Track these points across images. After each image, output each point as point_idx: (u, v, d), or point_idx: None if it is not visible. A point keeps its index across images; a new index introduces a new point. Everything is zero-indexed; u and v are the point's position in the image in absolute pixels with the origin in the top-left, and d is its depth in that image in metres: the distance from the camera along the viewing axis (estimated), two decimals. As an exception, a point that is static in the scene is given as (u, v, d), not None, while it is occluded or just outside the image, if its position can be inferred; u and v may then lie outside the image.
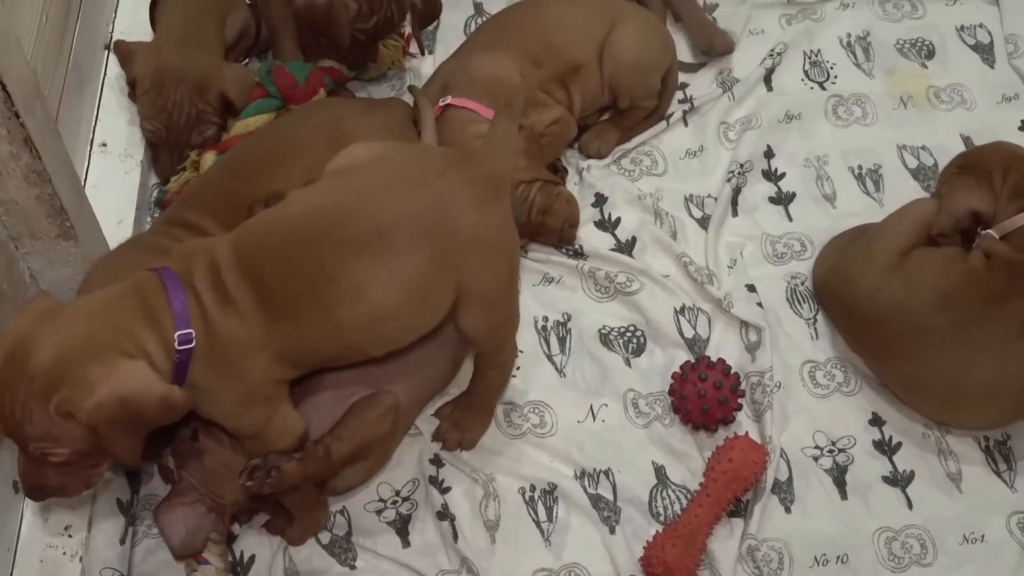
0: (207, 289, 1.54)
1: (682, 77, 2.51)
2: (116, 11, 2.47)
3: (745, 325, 2.17)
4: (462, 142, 2.19)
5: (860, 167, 2.41)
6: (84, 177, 2.20)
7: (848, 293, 2.09)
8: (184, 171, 2.24)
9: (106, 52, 2.40)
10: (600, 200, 2.33)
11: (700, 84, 2.51)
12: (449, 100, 2.23)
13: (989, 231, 2.02)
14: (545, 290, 2.23)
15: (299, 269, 1.57)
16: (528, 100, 2.25)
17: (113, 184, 2.22)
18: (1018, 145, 2.15)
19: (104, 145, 2.27)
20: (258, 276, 1.56)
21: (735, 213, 2.35)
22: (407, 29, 2.46)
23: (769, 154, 2.42)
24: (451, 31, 2.58)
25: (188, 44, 2.26)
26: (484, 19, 2.56)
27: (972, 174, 2.09)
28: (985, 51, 2.59)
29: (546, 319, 2.19)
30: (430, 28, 2.56)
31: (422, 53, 2.54)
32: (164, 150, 2.26)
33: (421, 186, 1.63)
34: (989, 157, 2.11)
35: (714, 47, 2.52)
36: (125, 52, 2.27)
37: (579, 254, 2.27)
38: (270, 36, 2.42)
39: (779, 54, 2.53)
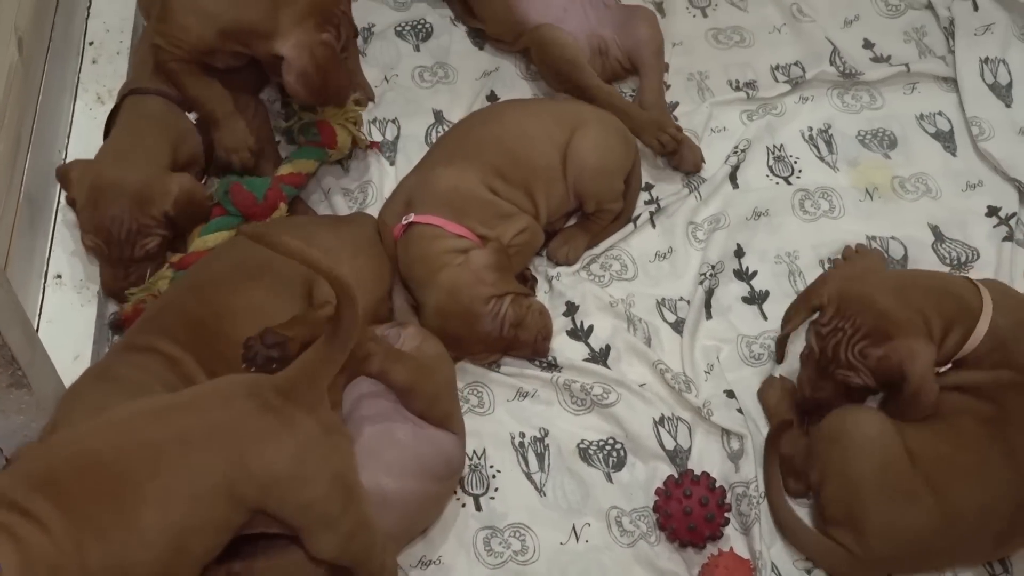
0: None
1: (647, 177, 2.48)
2: (69, 138, 2.41)
3: (727, 433, 2.12)
4: (429, 258, 2.15)
5: (831, 260, 2.39)
6: (39, 312, 2.13)
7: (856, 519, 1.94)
8: (139, 290, 2.17)
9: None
10: (572, 309, 2.29)
11: (666, 184, 2.49)
12: (412, 217, 2.19)
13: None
14: (520, 405, 2.17)
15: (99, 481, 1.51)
16: (494, 211, 2.22)
17: (69, 317, 2.15)
18: (850, 278, 2.07)
19: (59, 277, 2.21)
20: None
21: (709, 315, 2.31)
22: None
23: (739, 253, 2.39)
24: (412, 140, 2.55)
25: (128, 158, 2.18)
26: (445, 127, 2.54)
27: (900, 335, 1.93)
28: (946, 139, 2.59)
29: (523, 435, 2.13)
30: (390, 138, 2.53)
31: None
32: (107, 265, 2.18)
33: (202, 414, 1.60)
34: (888, 308, 1.95)
35: (683, 161, 2.48)
36: (63, 172, 2.20)
37: (553, 366, 2.21)
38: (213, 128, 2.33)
39: (743, 151, 2.52)
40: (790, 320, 2.08)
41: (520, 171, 2.26)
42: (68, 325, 2.13)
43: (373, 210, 2.40)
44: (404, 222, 2.19)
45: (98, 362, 2.05)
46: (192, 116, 2.30)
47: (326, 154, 2.38)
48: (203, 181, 2.40)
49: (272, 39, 2.18)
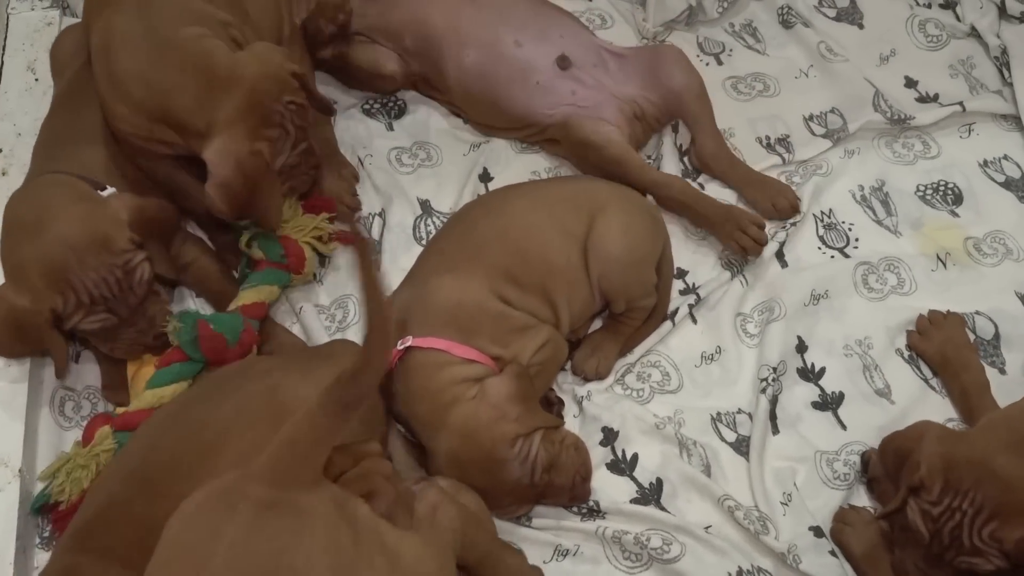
0: None
1: (678, 260, 2.08)
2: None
3: (822, 585, 1.71)
4: (436, 392, 1.73)
5: (909, 350, 2.00)
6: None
7: None
8: (68, 462, 1.74)
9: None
10: (610, 435, 1.87)
11: (703, 269, 2.09)
12: (410, 341, 1.76)
13: None
14: (560, 567, 1.75)
15: None
16: (507, 325, 1.81)
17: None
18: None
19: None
20: None
21: (775, 430, 1.90)
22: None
23: (801, 347, 1.99)
24: (399, 233, 2.13)
25: (48, 214, 1.78)
26: (435, 220, 2.12)
27: None
28: (1019, 187, 2.21)
29: (566, 606, 1.71)
30: (374, 235, 2.11)
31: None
32: (116, 340, 1.83)
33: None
34: (1014, 476, 1.52)
35: (778, 208, 2.10)
36: None
37: (595, 512, 1.79)
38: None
39: (790, 223, 2.12)
40: (889, 508, 1.65)
41: (534, 273, 1.85)
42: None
43: (355, 332, 1.97)
44: (400, 347, 1.77)
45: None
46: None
47: (290, 279, 1.96)
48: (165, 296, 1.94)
49: (201, 137, 1.77)
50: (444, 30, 2.14)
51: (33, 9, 2.40)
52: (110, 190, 1.87)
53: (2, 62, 2.31)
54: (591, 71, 2.14)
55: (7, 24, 2.38)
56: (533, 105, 2.13)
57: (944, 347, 1.96)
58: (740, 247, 2.03)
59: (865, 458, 1.84)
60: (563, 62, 2.11)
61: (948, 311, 2.01)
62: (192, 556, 1.24)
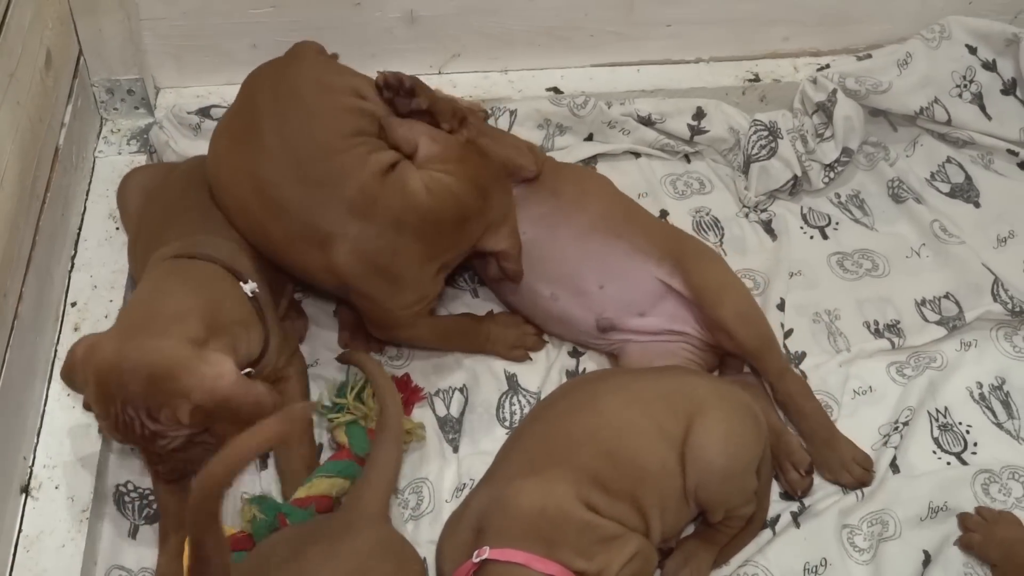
0: None
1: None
2: (38, 437, 1.89)
3: None
4: (516, 614, 1.58)
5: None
6: None
7: None
8: None
9: (22, 496, 1.82)
10: (704, 659, 1.70)
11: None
12: (487, 553, 1.62)
13: None
14: None
15: None
16: (594, 536, 1.66)
17: None
18: None
19: (13, 645, 1.65)
20: None
21: (891, 663, 1.72)
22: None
23: (927, 561, 1.80)
24: (481, 413, 2.00)
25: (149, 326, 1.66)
26: (522, 399, 2.00)
27: None
28: None
29: None
30: (454, 414, 1.99)
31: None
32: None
33: None
34: None
35: (840, 479, 1.90)
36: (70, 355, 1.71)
37: None
38: None
39: (904, 424, 1.96)
40: None
41: (626, 478, 1.70)
42: None
43: (428, 522, 1.84)
44: (476, 560, 1.63)
45: None
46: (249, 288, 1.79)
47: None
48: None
49: None
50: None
51: (120, 153, 2.37)
52: (252, 284, 1.78)
53: (84, 208, 2.26)
54: (640, 320, 2.00)
55: (92, 168, 2.34)
56: (583, 340, 2.05)
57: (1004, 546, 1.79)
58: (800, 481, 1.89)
59: None
60: (602, 326, 1.99)
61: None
62: None
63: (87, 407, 1.70)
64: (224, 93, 2.37)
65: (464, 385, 2.03)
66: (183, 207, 1.94)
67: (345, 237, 1.79)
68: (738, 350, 1.95)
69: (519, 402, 2.00)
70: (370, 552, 1.58)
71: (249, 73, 1.99)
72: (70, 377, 1.71)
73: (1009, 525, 1.83)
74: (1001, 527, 1.82)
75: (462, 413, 2.00)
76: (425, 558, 1.78)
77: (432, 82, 2.35)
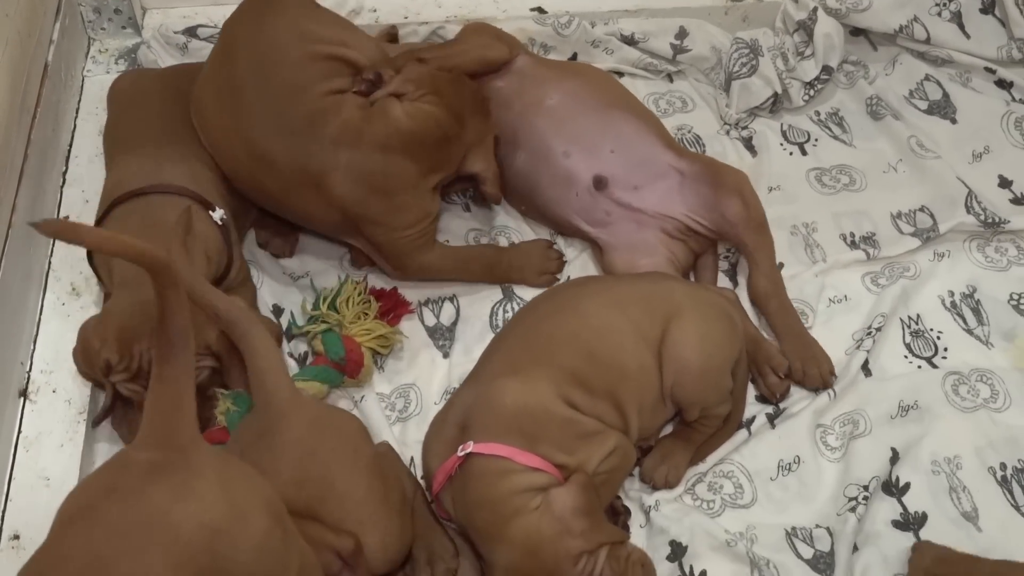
0: None
1: (758, 365, 1.98)
2: (35, 342, 1.95)
3: None
4: (497, 502, 1.64)
5: (1004, 467, 1.88)
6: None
7: None
8: None
9: (21, 399, 1.87)
10: (678, 550, 1.77)
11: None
12: (471, 447, 1.68)
13: None
14: None
15: None
16: (574, 431, 1.73)
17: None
18: None
19: (16, 538, 1.71)
20: None
21: (855, 547, 1.79)
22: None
23: (895, 459, 1.87)
24: (474, 323, 2.05)
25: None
26: (516, 305, 2.05)
27: None
28: (1121, 299, 2.09)
29: None
30: (446, 323, 2.04)
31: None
32: None
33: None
34: None
35: (807, 375, 1.96)
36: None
37: (660, 637, 1.69)
38: None
39: (876, 329, 2.02)
40: None
41: (605, 377, 1.76)
42: None
43: (416, 424, 1.91)
44: (461, 453, 1.69)
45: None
46: (218, 215, 1.87)
47: (342, 381, 1.90)
48: None
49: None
50: (508, 133, 2.09)
51: (108, 72, 2.39)
52: (219, 212, 1.86)
53: (75, 125, 2.29)
54: (631, 194, 2.07)
55: (82, 87, 2.37)
56: (571, 215, 2.09)
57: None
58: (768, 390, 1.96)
59: None
60: (598, 183, 2.05)
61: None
62: (91, 511, 1.22)
63: (89, 378, 1.77)
64: (210, 13, 2.39)
65: (454, 295, 2.08)
66: (157, 114, 2.00)
67: (336, 167, 1.87)
68: (733, 232, 2.04)
69: (513, 309, 2.06)
70: (306, 436, 1.62)
71: (229, 17, 2.01)
72: (87, 354, 1.73)
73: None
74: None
75: (454, 322, 2.05)
76: (412, 457, 1.85)
77: (416, 2, 2.38)
